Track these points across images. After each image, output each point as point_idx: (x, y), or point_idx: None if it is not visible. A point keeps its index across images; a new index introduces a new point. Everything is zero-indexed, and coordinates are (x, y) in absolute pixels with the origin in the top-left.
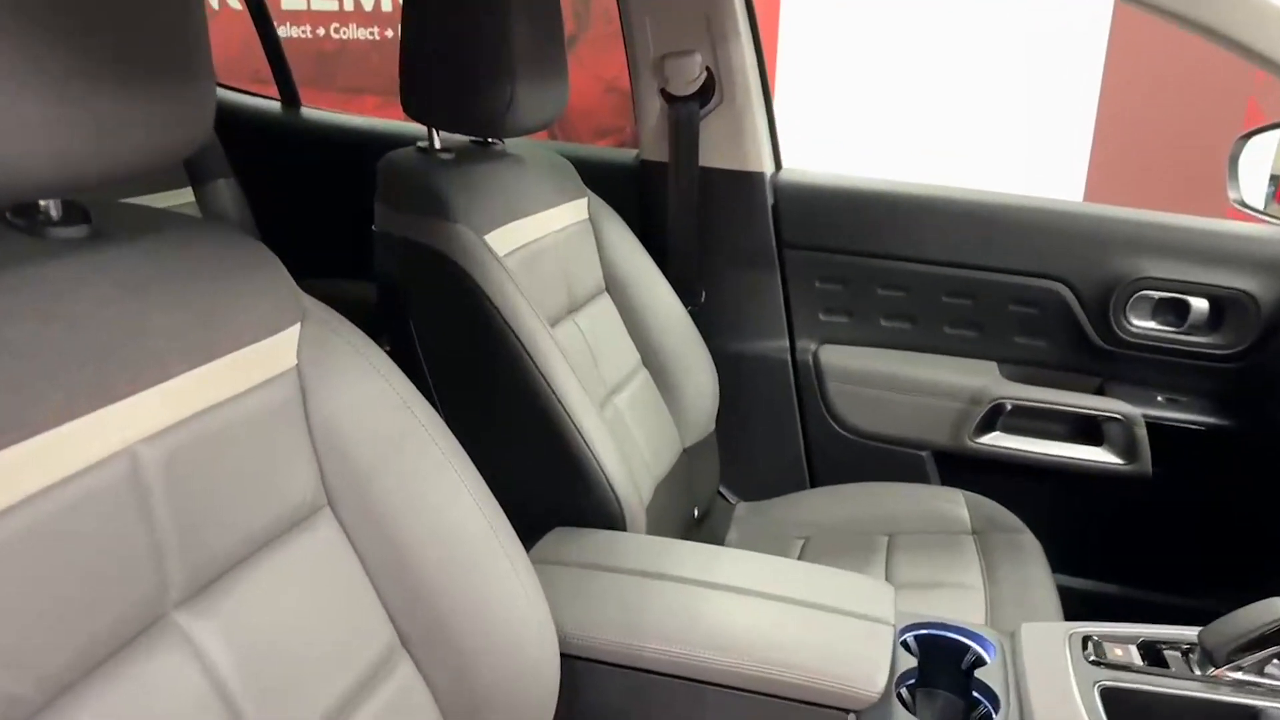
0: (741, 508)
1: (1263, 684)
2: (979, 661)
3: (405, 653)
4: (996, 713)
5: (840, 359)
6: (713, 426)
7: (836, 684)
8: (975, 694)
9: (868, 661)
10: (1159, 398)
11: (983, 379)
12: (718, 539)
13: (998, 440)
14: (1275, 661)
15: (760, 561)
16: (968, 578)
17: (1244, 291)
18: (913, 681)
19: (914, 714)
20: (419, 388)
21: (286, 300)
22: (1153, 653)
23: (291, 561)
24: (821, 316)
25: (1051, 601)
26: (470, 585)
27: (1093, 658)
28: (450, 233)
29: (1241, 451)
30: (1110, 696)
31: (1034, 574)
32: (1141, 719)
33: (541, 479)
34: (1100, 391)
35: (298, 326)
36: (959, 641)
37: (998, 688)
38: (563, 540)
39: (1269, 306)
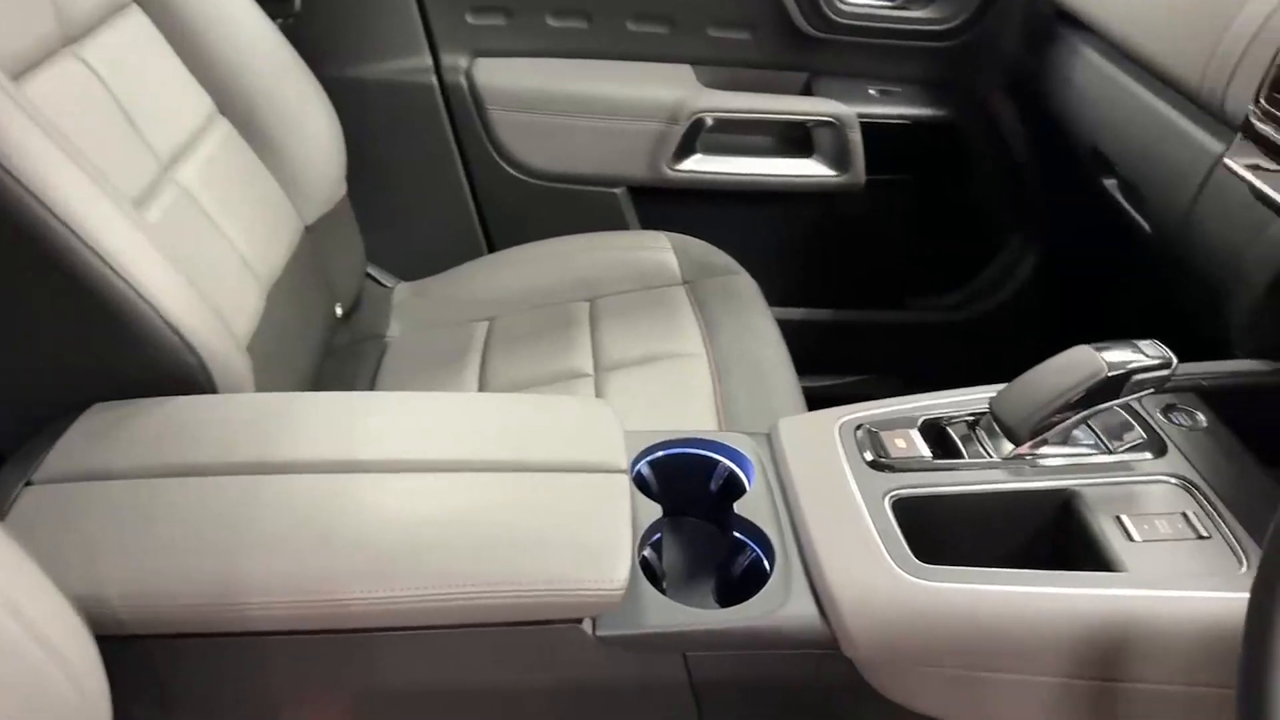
0: (402, 290)
1: (1075, 460)
2: (734, 482)
3: None
4: (770, 558)
5: (501, 77)
6: (343, 189)
7: (560, 593)
8: (738, 535)
9: (601, 547)
10: (871, 90)
11: (679, 89)
12: (376, 336)
13: (700, 165)
14: (1083, 428)
15: (422, 405)
16: (687, 343)
17: None
18: (659, 536)
19: (663, 587)
20: None
21: None
22: (935, 434)
23: None
24: (470, 19)
25: (780, 356)
26: None
27: (871, 457)
28: None
29: (958, 145)
30: (904, 508)
31: (756, 323)
32: (939, 525)
33: (51, 342)
34: (808, 91)
35: None
36: (707, 458)
37: (766, 524)
38: (97, 432)
39: None
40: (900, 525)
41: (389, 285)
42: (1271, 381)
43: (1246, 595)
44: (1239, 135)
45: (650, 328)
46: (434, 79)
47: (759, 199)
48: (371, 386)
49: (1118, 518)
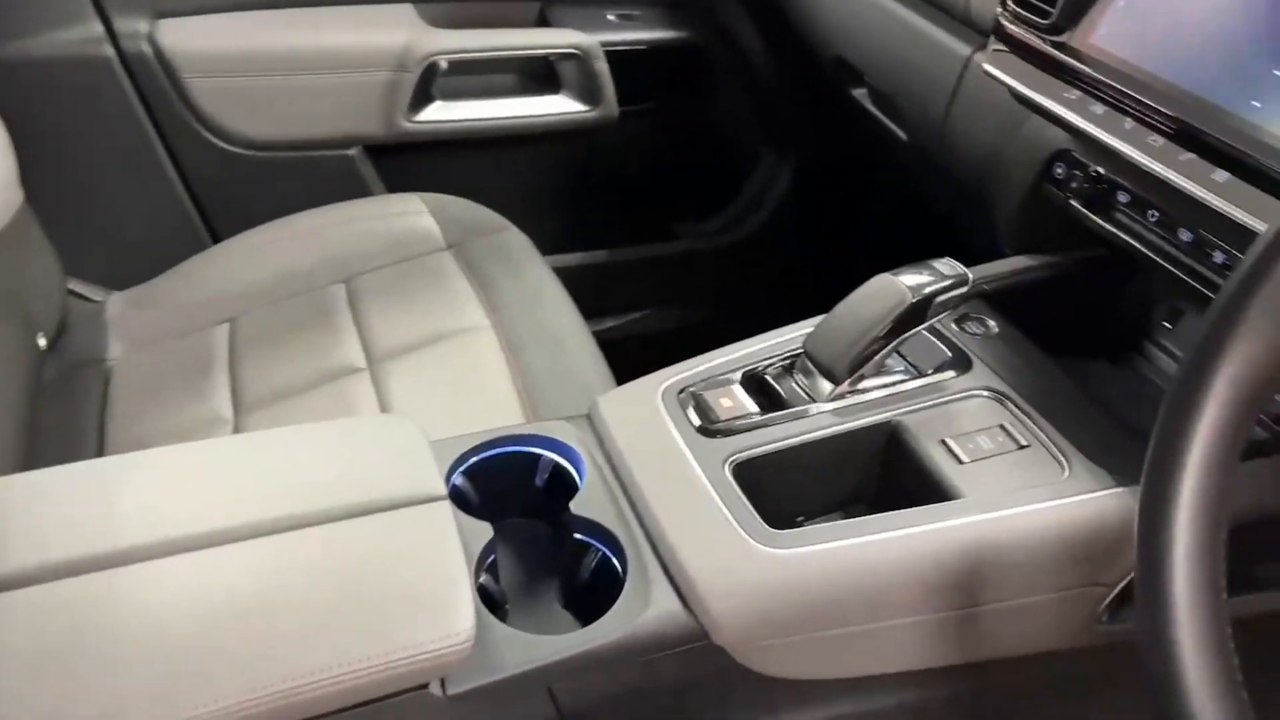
0: (116, 302)
1: (893, 391)
2: (560, 474)
3: None
4: (618, 555)
5: (193, 38)
6: (20, 195)
7: (398, 662)
8: (581, 536)
9: (437, 597)
10: (610, 16)
11: (404, 32)
12: (94, 361)
13: (441, 113)
14: (894, 355)
15: (184, 460)
16: (468, 316)
17: None
18: (493, 558)
19: (506, 614)
20: None
21: None
22: (756, 384)
23: None
24: None
25: (570, 317)
26: None
27: (700, 423)
28: None
29: (703, 66)
30: (744, 471)
31: (538, 282)
32: (780, 481)
33: None
34: (544, 21)
35: None
36: (528, 454)
37: (608, 519)
38: None
39: None
40: (744, 491)
41: (99, 299)
42: (1045, 274)
43: (1075, 499)
44: (991, 38)
45: (423, 304)
46: (110, 49)
47: (511, 144)
48: (100, 424)
49: (943, 441)
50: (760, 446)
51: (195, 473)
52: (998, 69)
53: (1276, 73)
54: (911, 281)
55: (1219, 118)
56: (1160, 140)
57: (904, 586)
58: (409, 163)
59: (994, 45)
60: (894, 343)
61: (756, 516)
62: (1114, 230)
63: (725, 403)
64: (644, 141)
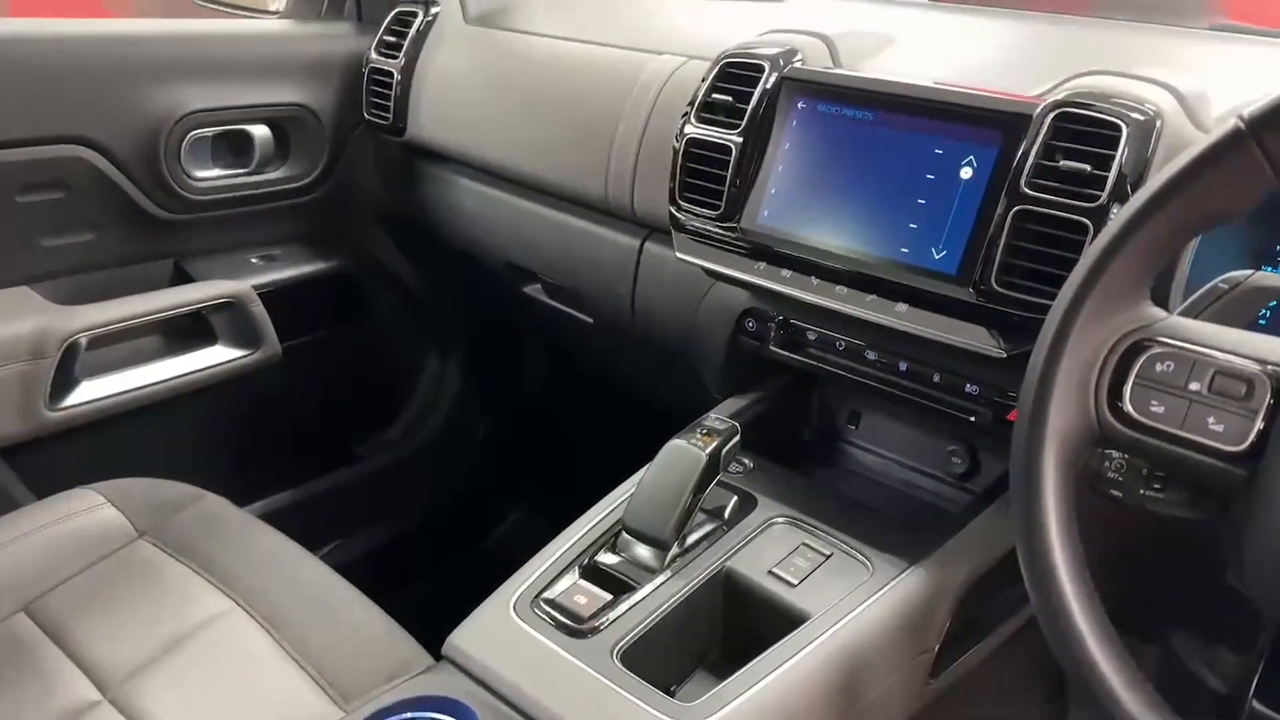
0: None
1: (712, 541)
2: None
3: None
4: None
5: None
6: None
7: None
8: None
9: None
10: (253, 259)
11: (31, 318)
12: None
13: (90, 393)
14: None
15: None
16: (203, 602)
17: (301, 105)
18: None
19: None
20: None
21: None
22: (595, 573)
23: None
24: None
25: (311, 567)
26: None
27: (570, 625)
28: None
29: (357, 289)
30: (631, 658)
31: (259, 543)
32: (660, 653)
33: None
34: (179, 272)
35: None
36: None
37: None
38: None
39: (330, 118)
40: (641, 676)
41: None
42: (759, 408)
43: (888, 588)
44: (674, 232)
45: (142, 606)
46: None
47: (174, 405)
48: None
49: (770, 572)
50: (634, 630)
51: None
52: (690, 256)
53: (912, 225)
54: (701, 444)
55: (884, 265)
56: (844, 289)
57: (802, 710)
58: (62, 454)
59: (680, 237)
60: (700, 499)
61: (667, 697)
62: (808, 361)
63: (580, 599)
64: (311, 372)
